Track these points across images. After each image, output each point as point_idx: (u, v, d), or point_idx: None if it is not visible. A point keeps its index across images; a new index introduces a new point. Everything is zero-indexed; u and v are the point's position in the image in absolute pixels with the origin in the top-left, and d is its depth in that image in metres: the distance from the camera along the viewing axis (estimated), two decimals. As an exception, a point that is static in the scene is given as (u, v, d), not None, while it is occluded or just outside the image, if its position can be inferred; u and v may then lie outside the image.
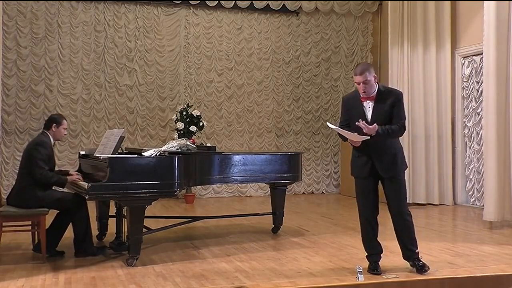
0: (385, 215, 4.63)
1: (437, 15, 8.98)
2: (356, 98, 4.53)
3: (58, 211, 5.22)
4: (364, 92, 4.43)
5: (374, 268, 4.48)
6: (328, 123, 4.68)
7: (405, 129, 4.50)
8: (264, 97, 10.60)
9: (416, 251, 4.52)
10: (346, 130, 4.44)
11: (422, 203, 8.80)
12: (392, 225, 4.57)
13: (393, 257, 4.93)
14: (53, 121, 5.30)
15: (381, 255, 4.59)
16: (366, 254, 4.62)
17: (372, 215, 4.55)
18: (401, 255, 4.60)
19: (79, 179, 5.16)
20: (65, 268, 4.69)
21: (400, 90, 4.79)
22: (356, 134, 4.36)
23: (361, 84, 4.40)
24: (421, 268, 4.42)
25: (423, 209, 8.53)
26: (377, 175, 4.48)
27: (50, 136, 5.27)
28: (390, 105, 4.43)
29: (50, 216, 5.12)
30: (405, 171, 4.59)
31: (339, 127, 4.56)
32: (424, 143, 8.87)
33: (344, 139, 4.53)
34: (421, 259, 4.48)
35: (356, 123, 4.34)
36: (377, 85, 4.49)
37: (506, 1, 6.89)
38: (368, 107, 4.45)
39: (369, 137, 4.33)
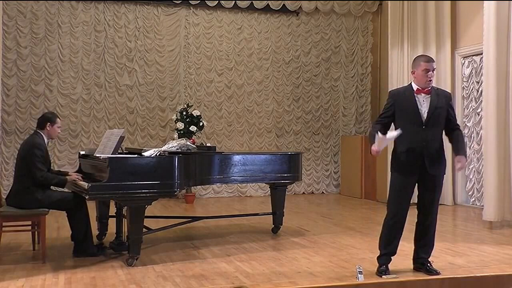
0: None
1: (437, 15, 8.97)
2: (408, 91, 4.46)
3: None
4: (431, 81, 4.40)
5: (384, 271, 4.39)
6: (377, 135, 4.37)
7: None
8: (264, 97, 10.60)
9: (431, 255, 4.53)
10: (380, 131, 4.35)
11: (422, 203, 8.79)
12: (415, 231, 4.54)
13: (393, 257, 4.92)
14: (48, 120, 5.26)
15: (392, 257, 4.53)
16: (380, 253, 4.51)
17: (405, 214, 4.45)
18: (412, 256, 4.59)
19: (78, 178, 5.15)
20: (65, 268, 4.69)
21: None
22: (383, 136, 4.28)
23: (430, 71, 4.37)
24: (432, 271, 4.41)
25: (423, 209, 8.52)
26: (421, 173, 4.39)
27: (44, 136, 5.22)
28: (446, 104, 4.44)
29: (51, 217, 5.11)
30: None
31: (377, 122, 4.54)
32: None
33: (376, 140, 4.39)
34: (432, 264, 4.49)
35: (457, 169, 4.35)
36: None
37: (506, 1, 6.89)
38: (423, 100, 4.39)
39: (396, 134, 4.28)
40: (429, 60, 4.43)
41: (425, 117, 4.37)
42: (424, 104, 4.39)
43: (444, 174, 4.55)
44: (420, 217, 4.54)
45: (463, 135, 4.54)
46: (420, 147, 4.36)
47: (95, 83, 9.66)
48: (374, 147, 4.29)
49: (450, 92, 4.76)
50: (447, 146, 4.59)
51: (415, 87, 4.44)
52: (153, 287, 4.15)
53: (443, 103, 4.43)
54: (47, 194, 5.07)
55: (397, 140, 4.44)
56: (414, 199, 4.54)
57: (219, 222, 7.15)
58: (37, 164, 4.99)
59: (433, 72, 4.41)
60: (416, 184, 4.49)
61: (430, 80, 4.40)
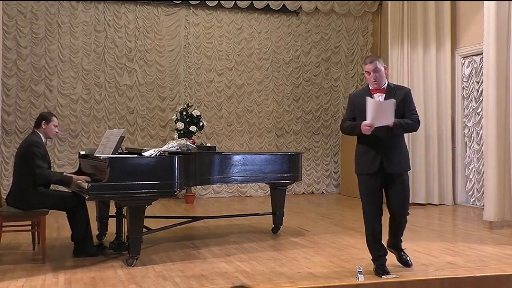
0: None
1: (437, 15, 8.98)
2: (365, 92, 4.49)
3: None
4: (375, 81, 4.39)
5: (383, 270, 4.39)
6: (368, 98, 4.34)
7: (419, 123, 4.49)
8: (264, 97, 10.60)
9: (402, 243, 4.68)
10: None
11: (422, 203, 8.79)
12: (389, 223, 4.58)
13: (393, 257, 4.92)
14: (43, 118, 5.22)
15: (386, 256, 4.52)
16: (373, 257, 4.51)
17: (379, 216, 4.44)
18: (387, 244, 4.64)
19: (86, 181, 5.02)
20: (65, 268, 4.69)
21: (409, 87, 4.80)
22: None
23: (371, 73, 4.38)
24: (406, 262, 4.64)
25: (423, 209, 8.53)
26: (384, 173, 4.39)
27: (41, 135, 5.19)
28: (402, 101, 4.40)
29: (51, 217, 5.11)
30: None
31: (344, 120, 4.58)
32: (424, 143, 8.87)
33: (356, 132, 4.41)
34: (406, 254, 4.69)
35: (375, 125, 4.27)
36: (387, 80, 4.50)
37: (506, 1, 6.89)
38: (379, 99, 4.38)
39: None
40: (367, 62, 4.43)
41: None
42: None
43: (409, 170, 4.53)
44: (390, 216, 4.55)
45: (415, 122, 4.43)
46: (376, 146, 4.36)
47: (95, 83, 9.66)
48: (368, 122, 4.23)
49: (409, 88, 4.73)
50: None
51: (371, 87, 4.50)
52: (153, 287, 4.15)
53: (399, 100, 4.38)
54: (46, 196, 5.04)
55: (356, 141, 4.50)
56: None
57: (219, 222, 7.14)
58: (35, 161, 4.97)
59: (374, 73, 4.37)
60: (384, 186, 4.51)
61: (375, 81, 4.40)
